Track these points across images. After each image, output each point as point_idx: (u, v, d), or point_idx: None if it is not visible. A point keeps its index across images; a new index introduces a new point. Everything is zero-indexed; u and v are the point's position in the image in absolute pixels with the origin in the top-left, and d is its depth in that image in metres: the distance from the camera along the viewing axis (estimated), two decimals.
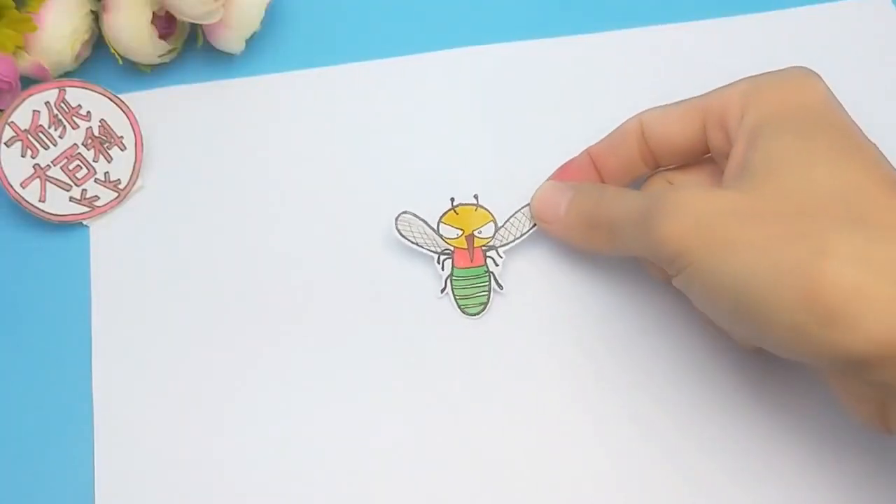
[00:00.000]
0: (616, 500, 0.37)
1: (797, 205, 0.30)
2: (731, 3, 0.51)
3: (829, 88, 0.35)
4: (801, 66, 0.36)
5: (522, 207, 0.43)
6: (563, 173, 0.41)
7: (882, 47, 0.49)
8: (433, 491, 0.38)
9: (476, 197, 0.43)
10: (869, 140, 0.33)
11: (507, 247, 0.42)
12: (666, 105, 0.38)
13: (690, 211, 0.31)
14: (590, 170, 0.40)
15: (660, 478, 0.38)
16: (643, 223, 0.33)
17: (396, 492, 0.38)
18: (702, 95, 0.37)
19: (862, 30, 0.50)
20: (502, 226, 0.43)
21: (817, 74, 0.35)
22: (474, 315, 0.41)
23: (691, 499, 0.37)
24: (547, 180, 0.41)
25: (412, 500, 0.38)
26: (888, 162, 0.33)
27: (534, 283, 0.42)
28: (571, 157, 0.41)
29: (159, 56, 0.47)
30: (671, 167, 0.40)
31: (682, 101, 0.38)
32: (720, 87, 0.37)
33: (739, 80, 0.36)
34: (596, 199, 0.37)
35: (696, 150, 0.37)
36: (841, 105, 0.35)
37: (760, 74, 0.36)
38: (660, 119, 0.38)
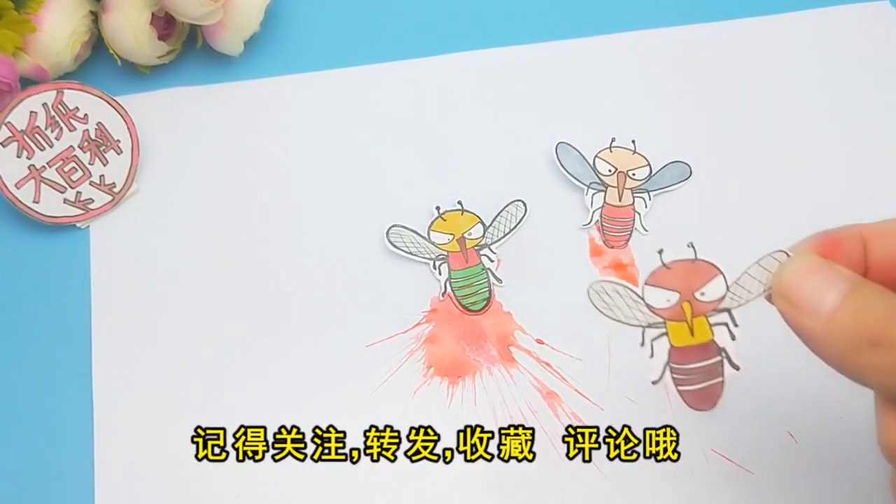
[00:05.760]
0: None
1: None
2: (735, 6, 0.50)
3: None
4: None
5: (508, 205, 0.44)
6: (827, 249, 0.29)
7: (884, 49, 0.49)
8: (431, 488, 0.38)
9: (460, 203, 0.44)
10: None
11: (498, 243, 0.43)
12: None
13: None
14: (857, 254, 0.29)
15: None
16: None
17: (392, 489, 0.38)
18: None
19: (864, 32, 0.50)
20: (490, 224, 0.43)
21: None
22: (478, 311, 0.41)
23: None
24: (804, 251, 0.29)
25: (407, 495, 0.38)
26: None
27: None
28: (835, 229, 0.30)
29: (158, 57, 0.47)
30: None
31: None
32: None
33: None
34: (888, 312, 0.26)
35: None
36: None
37: None
38: None
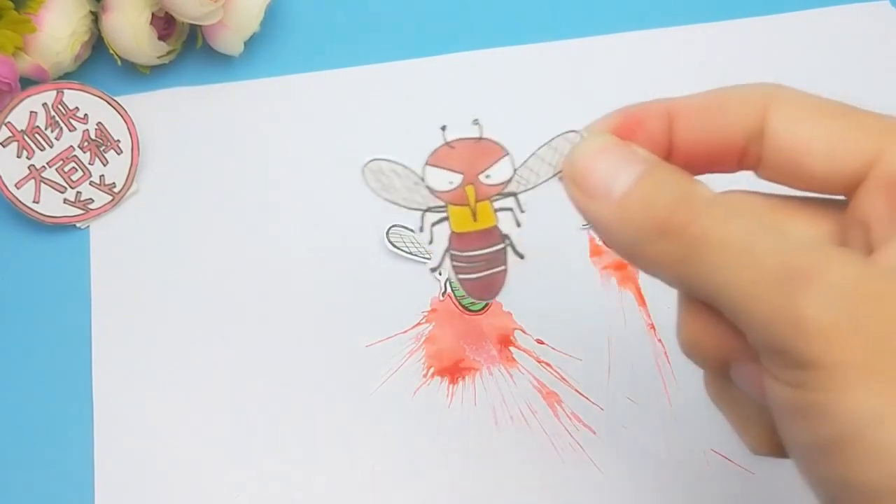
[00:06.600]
0: None
1: None
2: (734, 6, 0.50)
3: None
4: None
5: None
6: (627, 129, 0.26)
7: (884, 49, 0.49)
8: (431, 488, 0.38)
9: None
10: None
11: None
12: (814, 101, 0.24)
13: (880, 311, 0.20)
14: (661, 134, 0.26)
15: None
16: (778, 281, 0.21)
17: (393, 489, 0.38)
18: (885, 125, 0.24)
19: (864, 32, 0.50)
20: None
21: None
22: (478, 311, 0.41)
23: None
24: (599, 130, 0.26)
25: (407, 495, 0.38)
26: None
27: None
28: (639, 104, 0.26)
29: (158, 57, 0.47)
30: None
31: (843, 112, 0.24)
32: None
33: None
34: (680, 197, 0.23)
35: (827, 184, 0.24)
36: None
37: None
38: (804, 122, 0.24)
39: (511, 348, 0.41)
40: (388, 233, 0.43)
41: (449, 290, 0.42)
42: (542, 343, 0.41)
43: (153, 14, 0.45)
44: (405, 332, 0.41)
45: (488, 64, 0.49)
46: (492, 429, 0.39)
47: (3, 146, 0.42)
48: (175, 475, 0.38)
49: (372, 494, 0.38)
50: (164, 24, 0.47)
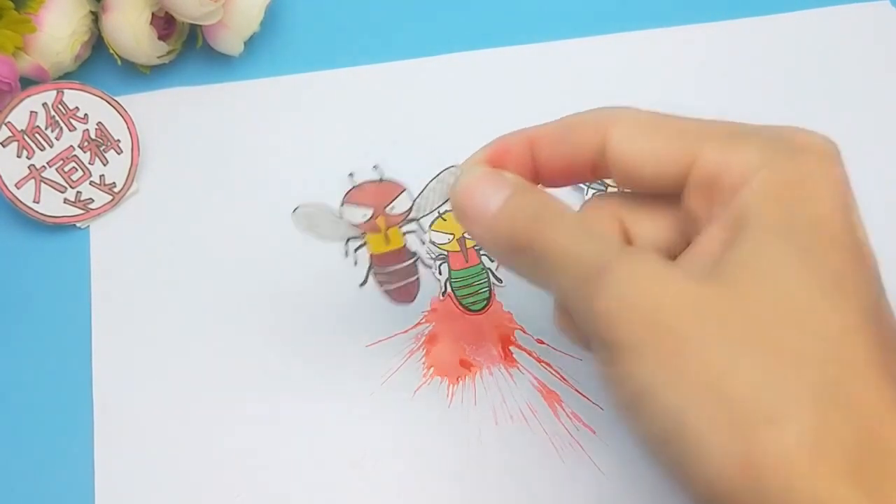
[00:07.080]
0: None
1: (773, 345, 0.23)
2: (734, 6, 0.50)
3: (851, 191, 0.27)
4: (828, 150, 0.27)
5: None
6: (497, 157, 0.31)
7: (884, 49, 0.49)
8: (432, 488, 0.38)
9: None
10: (873, 270, 0.26)
11: None
12: (644, 118, 0.29)
13: (647, 296, 0.24)
14: (526, 158, 0.31)
15: None
16: (583, 280, 0.26)
17: (393, 489, 0.38)
18: (700, 131, 0.28)
19: (864, 32, 0.50)
20: None
21: (843, 167, 0.27)
22: (478, 311, 0.41)
23: None
24: (476, 162, 0.31)
25: (407, 494, 0.38)
26: (890, 313, 0.26)
27: None
28: (506, 135, 0.32)
29: (158, 57, 0.47)
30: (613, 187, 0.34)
31: (667, 124, 0.29)
32: (723, 137, 0.28)
33: (748, 140, 0.27)
34: (533, 215, 0.28)
35: (661, 187, 0.29)
36: (857, 214, 0.26)
37: (779, 146, 0.27)
38: (635, 137, 0.28)
39: (511, 348, 0.41)
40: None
41: (449, 289, 0.42)
42: (542, 343, 0.41)
43: (153, 14, 0.45)
44: (405, 332, 0.41)
45: (488, 64, 0.49)
46: (492, 429, 0.39)
47: (3, 146, 0.42)
48: (175, 475, 0.38)
49: (372, 494, 0.38)
50: (164, 24, 0.47)
